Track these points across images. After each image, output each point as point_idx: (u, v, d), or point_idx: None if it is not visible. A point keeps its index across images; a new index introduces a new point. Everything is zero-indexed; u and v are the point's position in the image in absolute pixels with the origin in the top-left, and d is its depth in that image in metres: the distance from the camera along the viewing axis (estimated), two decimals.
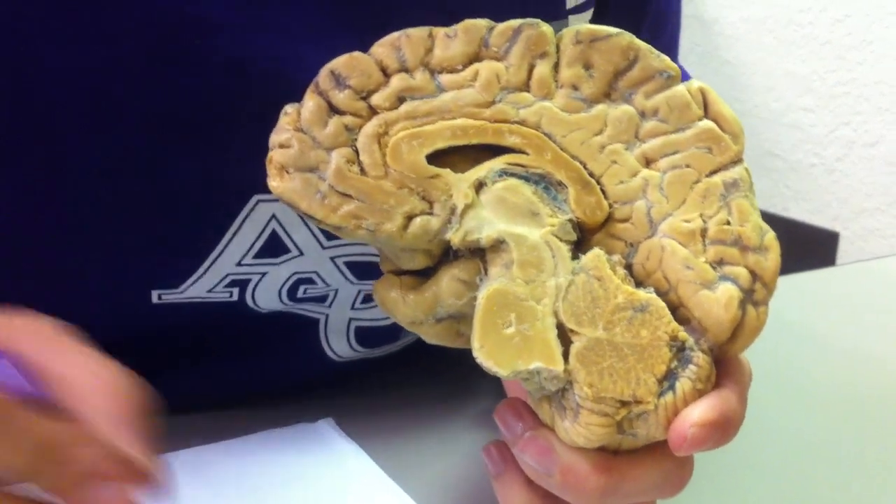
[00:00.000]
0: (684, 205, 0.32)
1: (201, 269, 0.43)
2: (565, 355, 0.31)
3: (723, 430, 0.30)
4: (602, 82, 0.33)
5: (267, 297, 0.45)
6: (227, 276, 0.43)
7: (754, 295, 0.31)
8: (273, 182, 0.33)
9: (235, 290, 0.44)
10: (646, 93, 0.33)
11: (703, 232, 0.32)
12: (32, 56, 0.37)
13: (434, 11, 0.34)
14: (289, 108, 0.34)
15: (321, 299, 0.46)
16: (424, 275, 0.34)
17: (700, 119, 0.33)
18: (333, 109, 0.33)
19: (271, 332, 0.47)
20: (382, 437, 0.45)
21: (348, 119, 0.33)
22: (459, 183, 0.33)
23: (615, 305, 0.31)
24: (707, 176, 0.32)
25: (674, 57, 0.59)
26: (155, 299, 0.43)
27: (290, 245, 0.43)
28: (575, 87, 0.33)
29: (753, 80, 1.95)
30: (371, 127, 0.33)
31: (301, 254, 0.44)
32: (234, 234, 0.42)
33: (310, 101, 0.33)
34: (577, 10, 0.48)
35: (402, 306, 0.34)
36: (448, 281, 0.33)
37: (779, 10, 1.89)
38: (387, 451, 0.44)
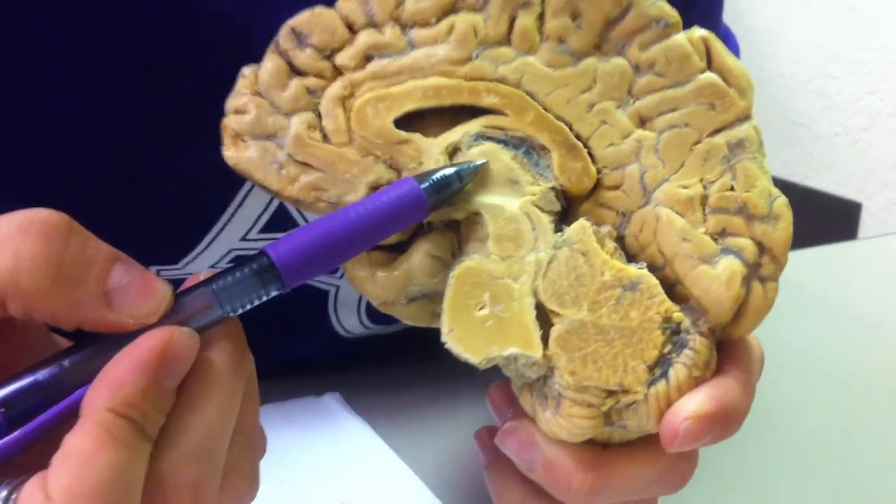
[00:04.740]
0: (682, 169, 0.29)
1: (202, 245, 0.41)
2: (545, 339, 0.28)
3: (722, 424, 0.27)
4: (591, 33, 0.30)
5: None
6: (230, 251, 0.42)
7: (761, 270, 0.28)
8: (227, 151, 0.30)
9: None
10: (641, 44, 0.30)
11: (704, 199, 0.29)
12: (33, 51, 0.36)
13: None
14: (246, 71, 0.31)
15: (331, 270, 0.45)
16: (398, 250, 0.31)
17: (702, 72, 0.30)
18: (294, 70, 0.31)
19: (279, 305, 0.46)
20: (387, 412, 0.45)
21: (311, 80, 0.30)
22: (431, 149, 0.30)
23: (601, 283, 0.28)
24: (709, 136, 0.29)
25: (717, 17, 0.56)
26: None
27: (298, 218, 0.42)
28: (561, 40, 0.30)
29: (778, 49, 1.90)
30: (335, 89, 0.30)
31: None
32: (238, 208, 0.41)
33: (269, 62, 0.31)
34: None
35: (370, 285, 0.31)
36: (420, 257, 0.30)
37: None
38: (391, 426, 0.44)
